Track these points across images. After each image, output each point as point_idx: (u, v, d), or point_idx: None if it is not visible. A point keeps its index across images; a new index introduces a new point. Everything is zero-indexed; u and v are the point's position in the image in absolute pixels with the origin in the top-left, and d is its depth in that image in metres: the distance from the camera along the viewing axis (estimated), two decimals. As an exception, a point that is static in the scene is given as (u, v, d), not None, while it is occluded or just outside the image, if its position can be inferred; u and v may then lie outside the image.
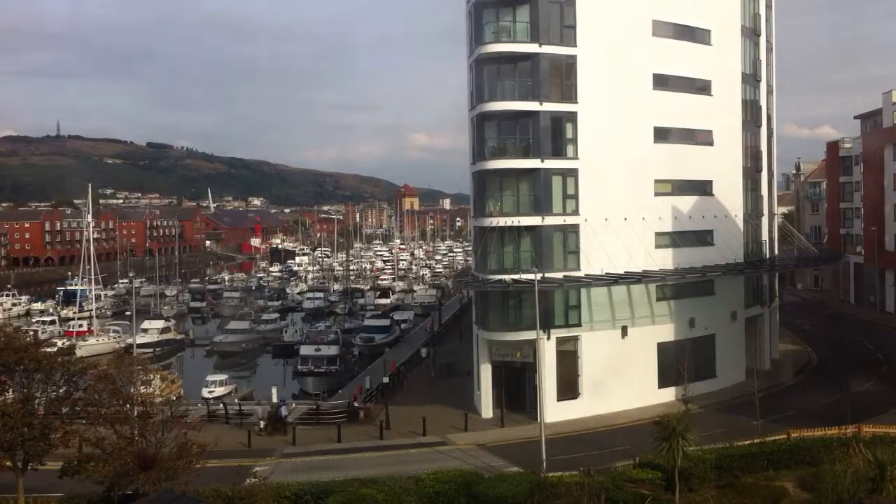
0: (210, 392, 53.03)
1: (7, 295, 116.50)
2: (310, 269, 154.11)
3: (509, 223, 42.70)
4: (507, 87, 43.69)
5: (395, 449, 39.36)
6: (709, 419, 38.99)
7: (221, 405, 48.28)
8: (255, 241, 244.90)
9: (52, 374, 27.78)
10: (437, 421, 43.03)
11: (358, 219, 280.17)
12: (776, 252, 63.08)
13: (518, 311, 43.08)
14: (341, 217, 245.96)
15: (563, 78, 43.99)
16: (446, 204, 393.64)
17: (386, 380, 52.13)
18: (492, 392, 45.01)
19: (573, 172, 43.91)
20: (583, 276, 42.98)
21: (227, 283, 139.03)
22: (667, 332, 46.31)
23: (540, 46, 42.79)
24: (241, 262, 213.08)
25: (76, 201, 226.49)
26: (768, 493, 28.47)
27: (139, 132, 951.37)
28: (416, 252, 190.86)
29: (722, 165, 49.55)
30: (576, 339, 44.27)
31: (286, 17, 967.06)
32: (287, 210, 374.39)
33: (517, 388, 44.61)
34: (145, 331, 78.79)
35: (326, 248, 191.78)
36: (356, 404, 46.80)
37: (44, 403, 27.71)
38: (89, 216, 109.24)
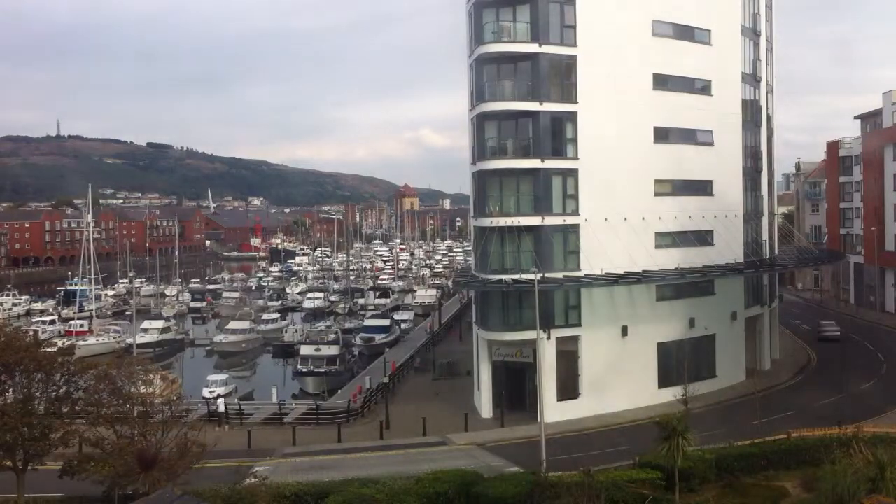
0: (211, 392, 53.05)
1: (7, 295, 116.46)
2: (310, 269, 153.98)
3: (509, 223, 42.70)
4: (507, 87, 43.74)
5: (395, 449, 39.36)
6: (709, 419, 38.96)
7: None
8: (256, 241, 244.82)
9: (52, 374, 27.77)
10: (437, 421, 43.04)
11: (358, 219, 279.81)
12: (776, 252, 63.06)
13: (518, 311, 43.09)
14: (341, 217, 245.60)
15: (563, 78, 44.04)
16: (446, 204, 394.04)
17: (386, 379, 52.12)
18: (492, 392, 45.06)
19: (573, 172, 43.93)
20: (583, 276, 42.98)
21: (227, 283, 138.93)
22: (667, 332, 46.27)
23: (540, 46, 42.81)
24: (241, 263, 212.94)
25: (76, 201, 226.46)
26: (768, 494, 28.47)
27: (139, 132, 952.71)
28: (416, 252, 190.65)
29: (722, 165, 49.56)
30: (576, 339, 44.28)
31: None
32: (287, 210, 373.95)
33: (517, 388, 44.61)
34: (145, 331, 78.64)
35: (326, 248, 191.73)
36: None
37: (44, 403, 27.70)
38: (89, 216, 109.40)
